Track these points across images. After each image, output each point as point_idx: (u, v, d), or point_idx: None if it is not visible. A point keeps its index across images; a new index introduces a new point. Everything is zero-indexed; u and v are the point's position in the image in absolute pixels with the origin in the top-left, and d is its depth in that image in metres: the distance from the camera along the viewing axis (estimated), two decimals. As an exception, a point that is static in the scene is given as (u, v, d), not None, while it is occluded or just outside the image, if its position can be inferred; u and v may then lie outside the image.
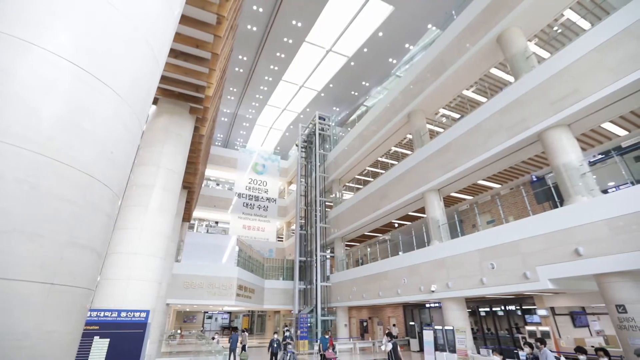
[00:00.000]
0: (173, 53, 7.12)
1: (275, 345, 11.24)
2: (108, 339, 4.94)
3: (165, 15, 2.68)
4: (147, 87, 2.49)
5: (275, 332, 11.97)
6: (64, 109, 1.86)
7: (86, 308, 2.05)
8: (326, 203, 22.19)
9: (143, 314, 5.42)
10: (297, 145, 26.13)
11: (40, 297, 1.64)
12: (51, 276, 1.69)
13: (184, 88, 7.95)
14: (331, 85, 22.58)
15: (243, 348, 12.42)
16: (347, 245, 21.87)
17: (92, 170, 1.96)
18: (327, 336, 11.81)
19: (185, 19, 6.51)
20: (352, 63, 20.33)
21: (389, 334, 10.07)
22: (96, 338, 4.88)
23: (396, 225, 20.03)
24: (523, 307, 13.94)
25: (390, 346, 9.57)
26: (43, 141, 1.74)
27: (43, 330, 1.64)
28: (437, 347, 11.11)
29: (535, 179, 12.72)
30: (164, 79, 7.68)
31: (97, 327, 4.95)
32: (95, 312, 5.12)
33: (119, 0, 2.18)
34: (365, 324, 23.19)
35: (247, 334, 13.63)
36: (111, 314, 5.20)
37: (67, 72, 1.90)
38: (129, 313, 5.34)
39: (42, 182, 1.71)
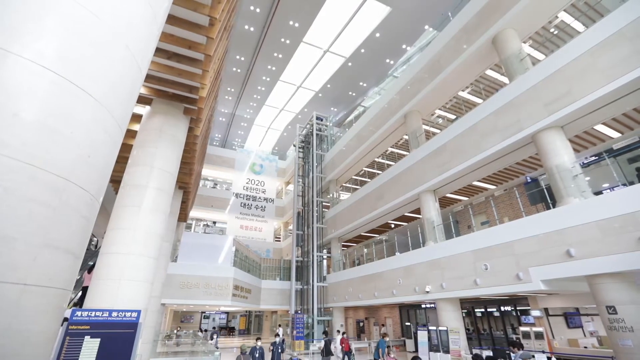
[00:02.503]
0: (166, 54, 7.13)
1: (257, 355, 8.53)
2: (99, 339, 4.94)
3: (148, 20, 2.71)
4: (127, 91, 2.51)
5: (258, 339, 9.27)
6: (40, 115, 1.88)
7: (62, 308, 2.08)
8: (323, 203, 22.22)
9: (134, 314, 5.42)
10: (294, 146, 26.16)
11: (12, 297, 1.67)
12: (24, 277, 1.72)
13: (177, 89, 7.95)
14: (329, 86, 22.62)
15: None
16: (343, 246, 21.90)
17: (69, 174, 1.99)
18: (386, 339, 9.72)
19: (177, 20, 6.51)
20: (350, 64, 20.38)
21: (325, 332, 12.60)
22: (87, 338, 4.88)
23: (392, 226, 20.07)
24: (518, 308, 13.99)
25: (322, 343, 11.53)
26: (19, 146, 1.76)
27: (14, 330, 1.67)
28: (432, 348, 11.13)
29: (529, 181, 12.76)
30: (157, 79, 7.70)
31: (88, 327, 4.95)
32: (87, 312, 5.13)
33: (97, 7, 2.21)
34: (361, 324, 23.23)
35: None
36: (102, 314, 5.19)
37: (44, 78, 1.92)
38: (120, 313, 5.36)
39: (17, 186, 1.73)
